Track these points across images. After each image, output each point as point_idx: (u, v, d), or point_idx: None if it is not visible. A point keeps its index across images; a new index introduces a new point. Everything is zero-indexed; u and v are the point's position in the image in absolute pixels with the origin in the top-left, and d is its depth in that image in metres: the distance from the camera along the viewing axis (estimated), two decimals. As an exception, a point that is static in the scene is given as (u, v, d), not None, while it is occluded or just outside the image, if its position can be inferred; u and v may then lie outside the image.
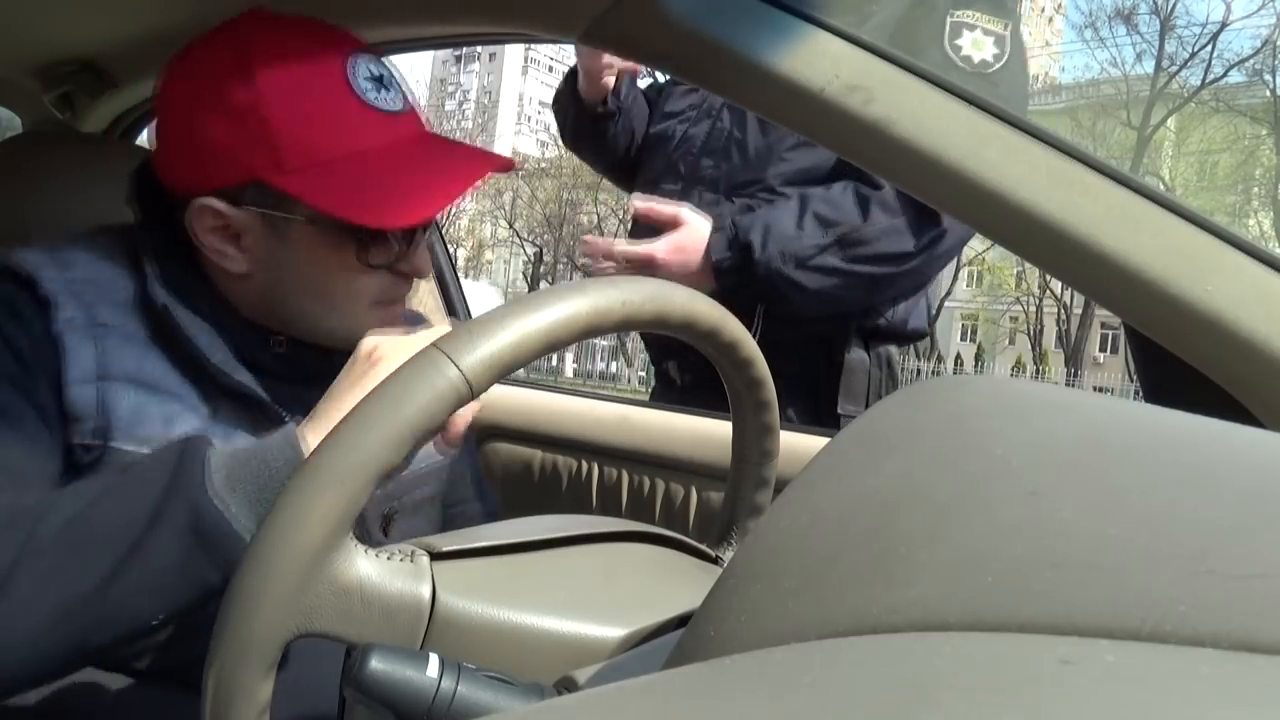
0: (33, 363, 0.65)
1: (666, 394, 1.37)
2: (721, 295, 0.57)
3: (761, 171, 1.30)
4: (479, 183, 0.72)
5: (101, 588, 0.54)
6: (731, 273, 1.21)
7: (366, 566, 0.44)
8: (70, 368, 0.65)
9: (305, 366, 0.74)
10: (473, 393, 0.43)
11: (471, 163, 0.73)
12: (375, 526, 0.77)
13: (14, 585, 0.53)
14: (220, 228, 0.71)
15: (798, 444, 0.99)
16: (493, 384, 0.44)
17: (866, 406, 1.30)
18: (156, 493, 0.56)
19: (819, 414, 1.29)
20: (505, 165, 0.74)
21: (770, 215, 1.23)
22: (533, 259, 29.05)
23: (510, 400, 1.34)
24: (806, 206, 1.22)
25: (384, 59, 0.75)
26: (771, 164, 1.30)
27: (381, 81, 0.73)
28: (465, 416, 0.64)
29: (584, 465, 1.26)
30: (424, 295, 1.35)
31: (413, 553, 0.46)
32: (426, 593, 0.45)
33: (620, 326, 0.48)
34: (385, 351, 0.64)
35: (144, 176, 0.76)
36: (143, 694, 0.67)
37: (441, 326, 0.70)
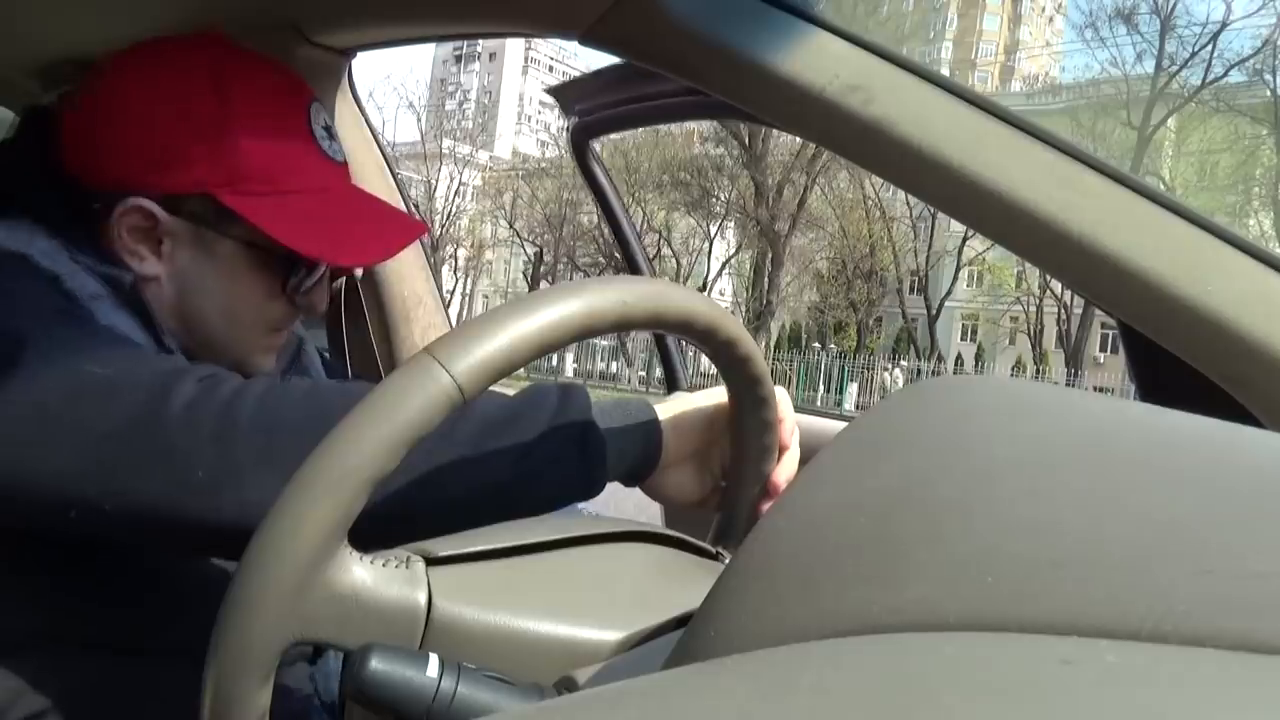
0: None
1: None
2: None
3: None
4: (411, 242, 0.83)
5: (506, 484, 0.56)
6: None
7: (362, 573, 0.44)
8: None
9: None
10: (465, 398, 0.42)
11: (397, 222, 0.81)
12: None
13: (429, 465, 0.55)
14: (144, 229, 0.72)
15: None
16: (486, 388, 0.44)
17: None
18: (552, 406, 0.59)
19: None
20: (423, 230, 0.84)
21: None
22: (533, 259, 29.05)
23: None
24: None
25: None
26: None
27: (330, 132, 0.77)
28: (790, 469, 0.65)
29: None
30: (423, 295, 1.35)
31: (408, 558, 0.46)
32: (422, 598, 0.45)
33: (616, 326, 0.48)
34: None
35: (32, 158, 0.74)
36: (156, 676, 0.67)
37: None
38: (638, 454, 0.62)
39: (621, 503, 0.69)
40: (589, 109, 1.14)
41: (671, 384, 1.45)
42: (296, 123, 0.75)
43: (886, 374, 20.49)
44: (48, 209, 0.70)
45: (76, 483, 0.54)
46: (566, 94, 1.14)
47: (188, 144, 0.70)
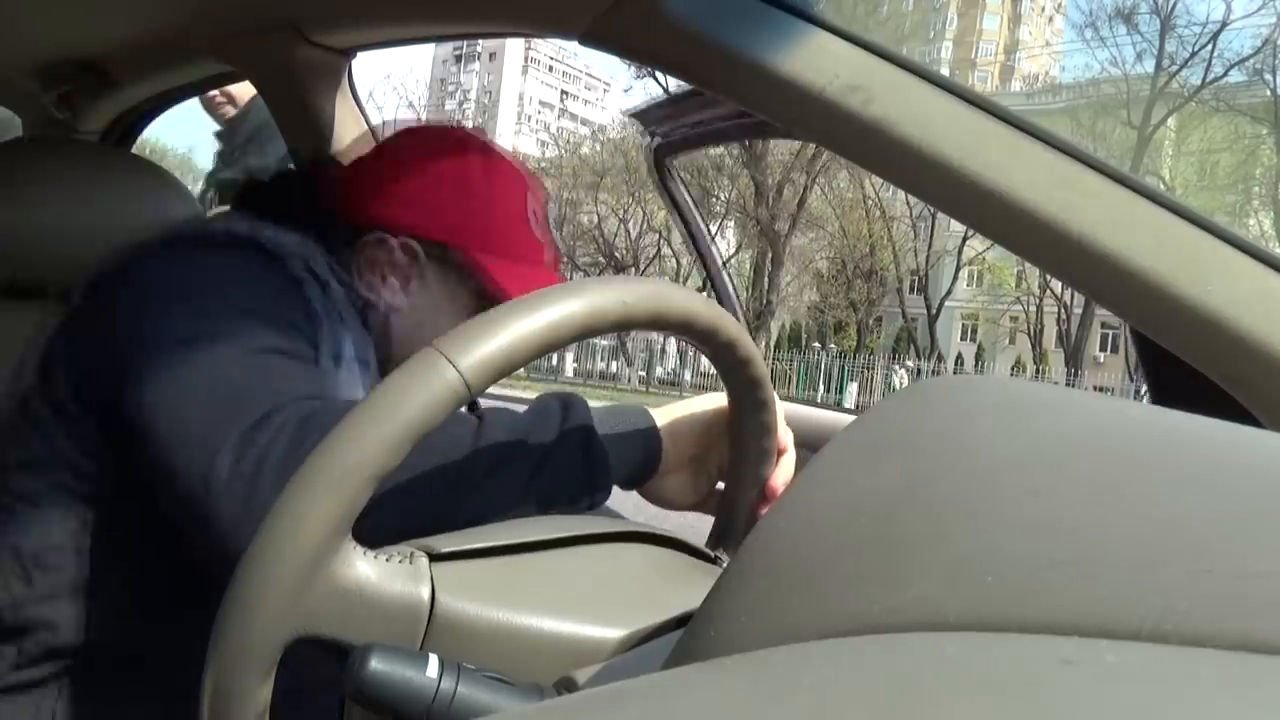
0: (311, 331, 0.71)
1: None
2: None
3: None
4: None
5: (521, 498, 0.60)
6: None
7: (365, 568, 0.44)
8: (324, 344, 0.71)
9: None
10: (470, 393, 0.43)
11: None
12: None
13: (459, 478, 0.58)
14: (400, 265, 0.83)
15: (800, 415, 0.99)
16: (491, 384, 0.44)
17: None
18: (557, 419, 0.62)
19: None
20: None
21: None
22: (533, 259, 28.96)
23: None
24: None
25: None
26: None
27: (536, 216, 0.90)
28: (787, 473, 0.67)
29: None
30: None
31: (411, 554, 0.46)
32: (426, 594, 0.45)
33: (618, 326, 0.48)
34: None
35: (307, 191, 0.86)
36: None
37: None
38: (638, 460, 0.64)
39: (621, 505, 0.70)
40: (669, 129, 1.18)
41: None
42: (522, 204, 0.88)
43: (892, 374, 20.47)
44: (321, 230, 0.80)
45: (180, 471, 0.59)
46: (647, 116, 1.20)
47: (454, 203, 0.84)
